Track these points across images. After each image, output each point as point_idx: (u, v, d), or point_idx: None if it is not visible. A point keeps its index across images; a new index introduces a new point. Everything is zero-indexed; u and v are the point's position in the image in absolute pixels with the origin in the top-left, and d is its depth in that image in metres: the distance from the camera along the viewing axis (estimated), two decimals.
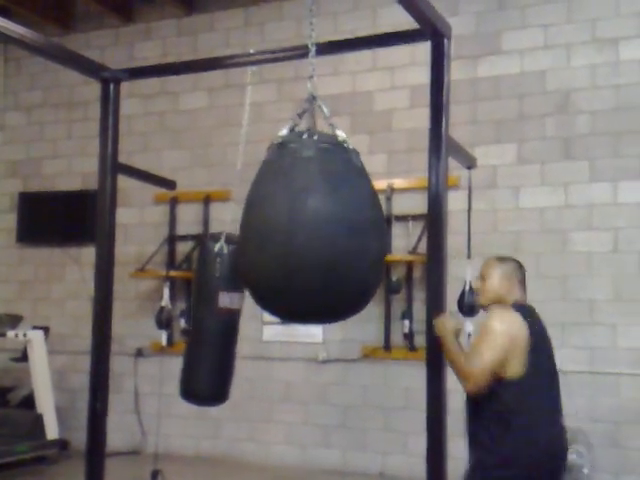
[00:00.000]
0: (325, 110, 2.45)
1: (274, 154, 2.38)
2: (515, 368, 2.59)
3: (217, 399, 3.71)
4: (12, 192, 7.43)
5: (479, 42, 5.84)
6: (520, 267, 2.91)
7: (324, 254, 2.22)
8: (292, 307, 2.32)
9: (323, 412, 6.09)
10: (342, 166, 2.34)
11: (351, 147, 2.39)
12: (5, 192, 7.50)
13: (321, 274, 2.23)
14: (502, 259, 2.93)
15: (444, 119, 2.88)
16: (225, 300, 3.18)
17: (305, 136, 2.33)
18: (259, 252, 2.27)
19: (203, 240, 3.52)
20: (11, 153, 7.55)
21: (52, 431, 6.08)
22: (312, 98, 2.46)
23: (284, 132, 2.40)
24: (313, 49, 2.51)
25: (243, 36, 6.59)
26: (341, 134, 2.39)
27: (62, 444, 6.16)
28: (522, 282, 2.88)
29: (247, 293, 3.10)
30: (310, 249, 2.21)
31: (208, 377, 3.60)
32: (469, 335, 2.56)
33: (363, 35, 3.91)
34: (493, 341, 2.57)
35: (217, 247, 3.27)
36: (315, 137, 2.32)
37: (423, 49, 3.11)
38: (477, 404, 2.66)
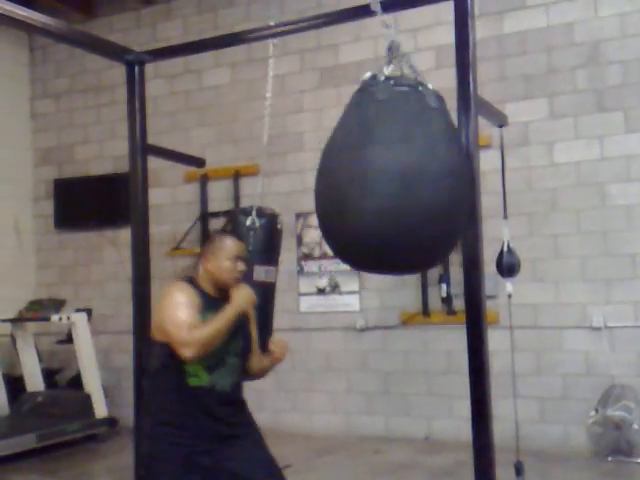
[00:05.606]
0: (406, 58, 2.64)
1: (355, 98, 2.55)
2: None
3: None
4: (47, 179, 7.56)
5: None
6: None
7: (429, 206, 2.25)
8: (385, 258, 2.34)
9: (365, 379, 6.12)
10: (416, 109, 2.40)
11: (430, 90, 2.46)
12: (41, 179, 7.63)
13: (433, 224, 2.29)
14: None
15: (471, 78, 2.82)
16: (260, 274, 3.14)
17: (382, 79, 2.53)
18: (361, 200, 2.27)
19: (234, 215, 3.46)
20: (43, 141, 7.66)
21: (101, 409, 6.23)
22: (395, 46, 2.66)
23: (367, 75, 2.59)
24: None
25: (263, 9, 6.53)
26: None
27: (111, 422, 6.30)
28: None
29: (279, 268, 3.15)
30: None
31: None
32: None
33: None
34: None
35: (249, 221, 3.21)
36: (392, 81, 2.50)
37: (447, 8, 3.04)
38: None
